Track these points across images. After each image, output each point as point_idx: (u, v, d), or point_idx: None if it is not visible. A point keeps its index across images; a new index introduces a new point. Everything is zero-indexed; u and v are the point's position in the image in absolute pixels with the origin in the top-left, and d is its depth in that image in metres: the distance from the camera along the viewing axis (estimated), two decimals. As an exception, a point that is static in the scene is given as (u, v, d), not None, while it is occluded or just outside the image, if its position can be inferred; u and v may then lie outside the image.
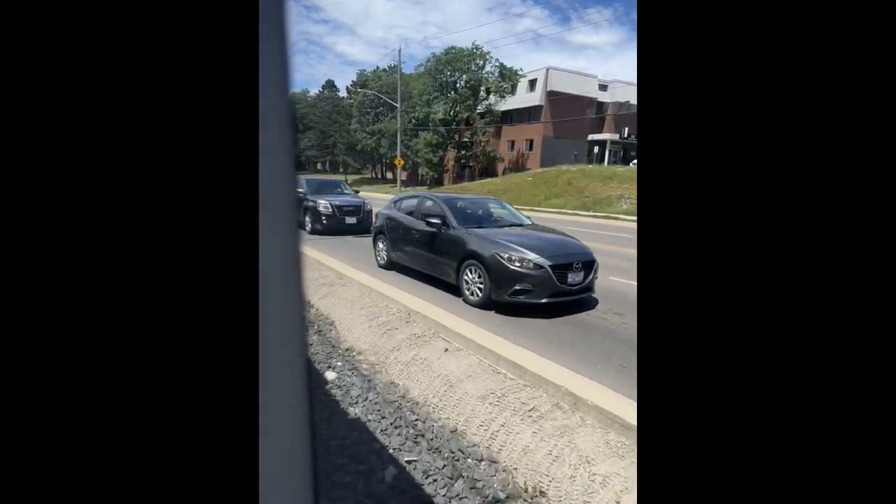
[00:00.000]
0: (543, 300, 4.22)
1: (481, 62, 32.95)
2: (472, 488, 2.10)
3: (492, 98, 33.62)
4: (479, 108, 34.40)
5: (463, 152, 37.28)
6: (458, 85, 34.34)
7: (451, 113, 33.71)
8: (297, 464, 0.49)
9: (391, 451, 2.35)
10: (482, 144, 35.46)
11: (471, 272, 4.53)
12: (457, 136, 35.49)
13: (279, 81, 0.44)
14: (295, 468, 0.49)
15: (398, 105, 33.50)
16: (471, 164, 39.04)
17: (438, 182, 36.97)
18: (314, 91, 64.41)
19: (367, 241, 7.10)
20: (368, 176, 52.90)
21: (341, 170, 67.87)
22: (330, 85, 64.22)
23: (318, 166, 73.55)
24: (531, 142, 35.46)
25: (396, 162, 32.33)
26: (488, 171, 39.27)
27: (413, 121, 36.11)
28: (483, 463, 2.28)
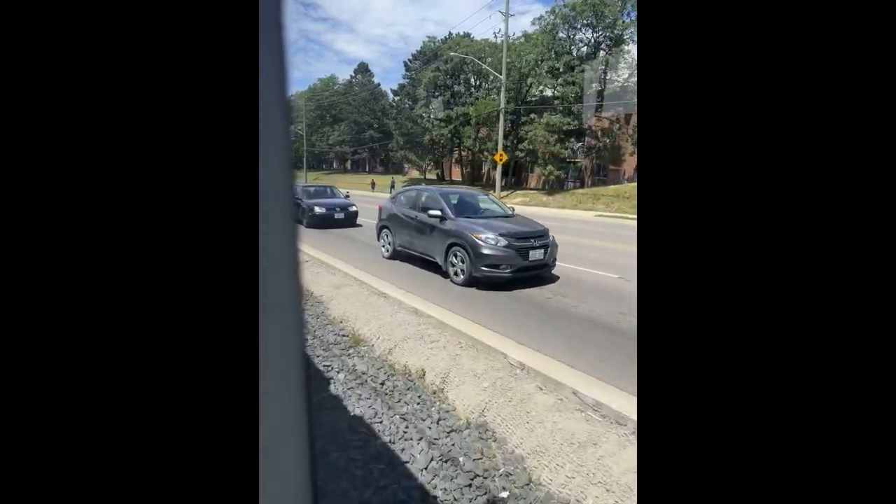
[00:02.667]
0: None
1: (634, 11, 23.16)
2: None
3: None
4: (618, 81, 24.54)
5: (570, 143, 27.48)
6: (587, 46, 24.50)
7: (592, 86, 23.77)
8: (297, 462, 0.49)
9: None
10: (610, 134, 25.59)
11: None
12: (578, 121, 25.62)
13: (279, 79, 0.44)
14: (295, 467, 0.49)
15: (503, 76, 23.77)
16: (576, 161, 29.21)
17: (558, 187, 26.95)
18: (343, 77, 54.63)
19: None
20: (417, 176, 41.69)
21: (367, 168, 56.97)
22: (363, 69, 54.09)
23: (335, 164, 61.76)
24: (685, 129, 25.70)
25: (497, 157, 22.65)
26: (600, 171, 29.52)
27: (521, 101, 26.19)
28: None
